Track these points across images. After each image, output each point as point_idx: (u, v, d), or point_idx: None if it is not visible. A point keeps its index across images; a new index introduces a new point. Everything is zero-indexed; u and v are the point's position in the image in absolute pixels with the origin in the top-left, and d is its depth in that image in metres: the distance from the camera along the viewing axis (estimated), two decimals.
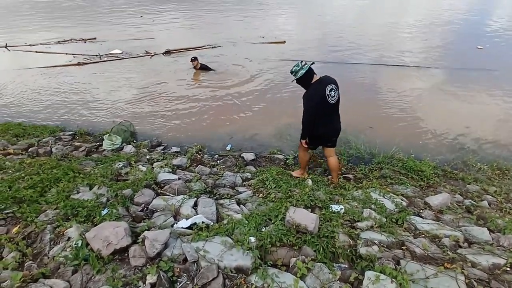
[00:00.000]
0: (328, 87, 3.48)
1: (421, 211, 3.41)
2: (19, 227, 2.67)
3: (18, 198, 3.00)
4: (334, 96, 3.52)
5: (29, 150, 4.86)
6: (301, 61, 3.54)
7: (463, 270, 2.29)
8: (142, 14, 17.47)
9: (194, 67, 8.90)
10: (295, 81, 3.60)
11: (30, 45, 12.03)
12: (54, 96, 7.71)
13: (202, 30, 14.17)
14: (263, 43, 11.75)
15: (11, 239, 2.54)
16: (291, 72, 3.56)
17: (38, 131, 5.76)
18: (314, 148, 4.13)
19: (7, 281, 2.08)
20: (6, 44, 12.08)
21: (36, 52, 11.30)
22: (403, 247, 2.64)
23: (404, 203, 3.48)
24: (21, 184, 3.30)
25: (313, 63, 3.58)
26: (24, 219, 2.73)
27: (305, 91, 3.61)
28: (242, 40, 12.15)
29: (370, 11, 18.86)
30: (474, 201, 3.70)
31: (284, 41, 11.82)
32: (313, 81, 3.53)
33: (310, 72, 3.51)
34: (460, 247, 2.73)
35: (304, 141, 3.79)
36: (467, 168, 4.76)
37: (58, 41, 12.50)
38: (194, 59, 8.86)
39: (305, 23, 15.83)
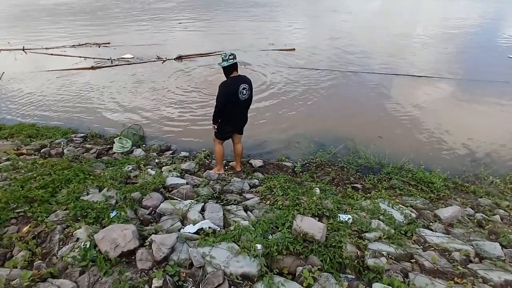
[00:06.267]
0: (242, 85, 3.95)
1: (431, 223, 3.34)
2: (29, 227, 2.71)
3: (29, 198, 3.06)
4: (245, 94, 4.02)
5: (41, 151, 4.96)
6: (231, 54, 3.89)
7: (473, 286, 2.24)
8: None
9: None
10: (221, 67, 3.98)
11: (46, 48, 12.36)
12: (67, 99, 7.89)
13: (213, 37, 14.35)
14: (273, 50, 11.83)
15: (22, 238, 2.59)
16: (222, 59, 3.93)
17: (51, 132, 5.89)
18: (226, 139, 4.44)
19: (16, 280, 2.11)
20: (24, 47, 12.43)
21: (51, 55, 11.60)
22: (412, 260, 2.60)
23: (413, 215, 3.43)
24: (33, 184, 3.37)
25: (241, 61, 4.08)
26: (35, 219, 2.78)
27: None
28: (252, 47, 12.25)
29: (382, 20, 18.83)
30: (486, 215, 3.62)
31: (294, 49, 11.88)
32: (232, 75, 3.95)
33: (231, 67, 3.90)
34: (471, 262, 2.67)
35: (214, 125, 4.22)
36: (478, 181, 4.67)
37: (73, 45, 12.82)
38: None
39: (315, 31, 15.89)
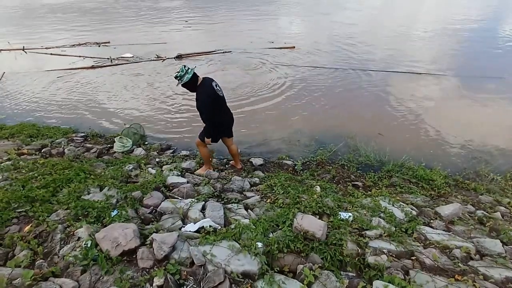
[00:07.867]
0: (213, 83, 3.88)
1: (432, 221, 3.34)
2: (31, 226, 2.72)
3: (30, 198, 3.07)
4: (220, 90, 3.96)
5: (42, 151, 4.97)
6: (184, 66, 3.76)
7: (474, 283, 2.24)
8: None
9: None
10: (180, 85, 3.81)
11: (46, 48, 12.36)
12: (67, 98, 7.89)
13: (213, 35, 14.31)
14: (273, 48, 11.79)
15: (23, 238, 2.60)
16: (176, 77, 3.76)
17: (52, 132, 5.89)
18: (216, 141, 4.28)
19: (18, 279, 2.12)
20: (24, 47, 12.42)
21: (51, 54, 11.59)
22: (413, 257, 2.60)
23: (414, 212, 3.43)
24: (34, 183, 3.38)
25: (195, 67, 3.94)
26: (36, 218, 2.79)
27: (194, 94, 3.88)
28: (252, 45, 12.21)
29: (382, 18, 18.76)
30: (487, 212, 3.62)
31: (294, 47, 11.84)
32: (199, 83, 3.82)
33: (195, 76, 3.78)
34: (472, 259, 2.67)
35: (208, 139, 4.05)
36: (479, 178, 4.66)
37: (73, 45, 12.81)
38: None
39: (315, 29, 15.83)
